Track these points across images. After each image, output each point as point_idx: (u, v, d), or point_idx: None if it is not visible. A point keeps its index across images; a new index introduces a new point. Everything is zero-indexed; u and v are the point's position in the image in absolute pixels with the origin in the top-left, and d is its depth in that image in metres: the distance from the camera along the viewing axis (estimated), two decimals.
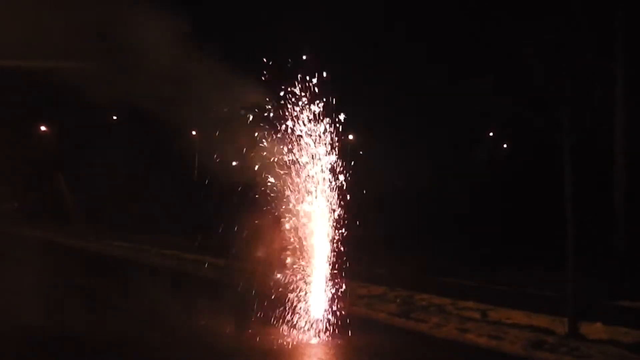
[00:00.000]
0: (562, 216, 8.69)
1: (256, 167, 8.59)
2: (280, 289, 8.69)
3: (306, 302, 8.71)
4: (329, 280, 8.86)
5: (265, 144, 8.60)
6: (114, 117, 32.65)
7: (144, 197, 25.19)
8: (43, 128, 35.64)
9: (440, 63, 20.39)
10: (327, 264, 8.85)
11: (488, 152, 26.96)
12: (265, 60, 8.56)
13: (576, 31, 8.50)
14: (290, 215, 8.78)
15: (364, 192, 9.19)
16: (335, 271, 8.86)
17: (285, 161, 8.64)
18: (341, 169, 8.77)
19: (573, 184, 8.56)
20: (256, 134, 8.59)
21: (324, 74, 8.65)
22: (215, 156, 8.61)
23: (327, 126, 8.73)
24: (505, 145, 28.89)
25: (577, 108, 8.44)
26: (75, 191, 30.76)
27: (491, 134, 28.17)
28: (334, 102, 8.69)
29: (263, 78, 8.55)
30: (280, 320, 8.53)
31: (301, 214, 8.79)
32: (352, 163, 8.81)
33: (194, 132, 29.27)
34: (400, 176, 19.32)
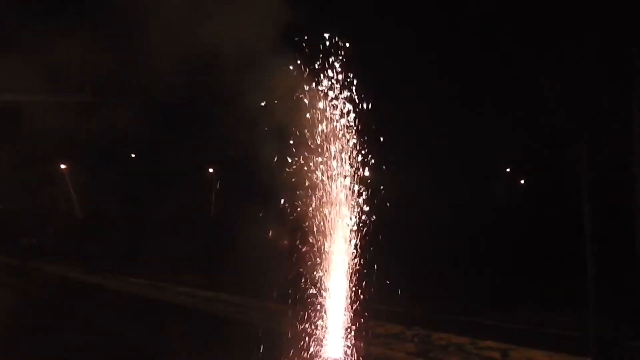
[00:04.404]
0: (582, 254, 8.58)
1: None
2: (293, 326, 8.59)
3: (321, 341, 8.59)
4: (345, 318, 8.75)
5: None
6: (132, 155, 32.88)
7: (159, 231, 25.35)
8: (63, 166, 35.92)
9: (460, 97, 20.34)
10: (343, 301, 8.75)
11: (504, 188, 26.78)
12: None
13: (592, 67, 8.53)
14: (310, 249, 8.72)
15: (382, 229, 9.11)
16: (351, 308, 8.75)
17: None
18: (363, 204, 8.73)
19: (592, 222, 8.47)
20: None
21: None
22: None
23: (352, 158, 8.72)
24: (522, 181, 28.69)
25: (595, 146, 8.41)
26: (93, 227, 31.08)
27: (508, 169, 28.02)
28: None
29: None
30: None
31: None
32: (375, 200, 8.75)
33: (210, 170, 29.55)
34: (416, 212, 19.17)
